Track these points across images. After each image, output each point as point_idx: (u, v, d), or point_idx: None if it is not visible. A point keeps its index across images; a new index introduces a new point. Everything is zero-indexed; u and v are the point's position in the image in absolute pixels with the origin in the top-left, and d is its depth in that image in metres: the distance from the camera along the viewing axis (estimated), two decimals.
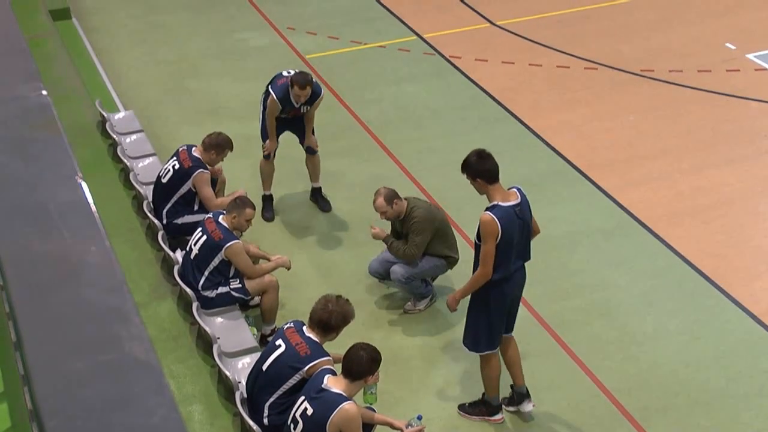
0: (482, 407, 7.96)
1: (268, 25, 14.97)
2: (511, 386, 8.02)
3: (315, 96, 9.78)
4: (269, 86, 9.92)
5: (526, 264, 7.57)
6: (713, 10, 15.26)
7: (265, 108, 9.95)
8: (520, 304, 9.07)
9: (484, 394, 7.95)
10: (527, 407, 7.96)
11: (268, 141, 10.09)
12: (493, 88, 13.07)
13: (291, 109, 9.87)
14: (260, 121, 10.14)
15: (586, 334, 8.80)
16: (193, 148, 9.35)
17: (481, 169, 7.13)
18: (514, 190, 7.24)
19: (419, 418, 6.86)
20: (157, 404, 5.16)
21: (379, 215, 8.77)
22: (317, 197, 10.58)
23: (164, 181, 9.35)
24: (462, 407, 8.04)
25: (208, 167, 9.30)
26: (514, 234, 7.14)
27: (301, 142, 10.27)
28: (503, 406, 8.01)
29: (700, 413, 7.98)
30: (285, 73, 9.93)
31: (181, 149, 9.40)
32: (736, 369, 8.44)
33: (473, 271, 7.37)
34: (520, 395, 7.98)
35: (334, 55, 14.06)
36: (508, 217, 7.07)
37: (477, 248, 7.26)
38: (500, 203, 7.10)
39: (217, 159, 9.36)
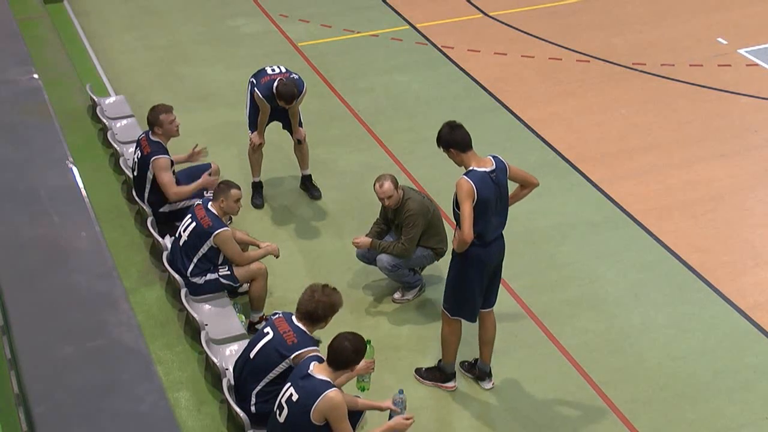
0: (437, 373, 8.14)
1: (260, 11, 14.93)
2: (476, 359, 8.19)
3: (298, 92, 9.73)
4: (254, 82, 9.87)
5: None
6: (705, 4, 15.28)
7: (252, 99, 9.93)
8: (509, 295, 9.14)
9: (440, 361, 8.10)
10: (486, 385, 8.15)
11: (255, 134, 10.08)
12: (485, 79, 13.07)
13: (276, 107, 9.87)
14: (246, 109, 10.11)
15: (573, 326, 8.83)
16: (150, 132, 9.30)
17: (452, 139, 7.46)
18: (490, 157, 7.49)
19: (401, 392, 6.90)
20: (146, 391, 5.18)
21: (382, 201, 8.66)
22: (307, 185, 10.58)
23: (135, 174, 9.36)
24: (418, 371, 8.21)
25: (167, 152, 9.24)
26: (491, 198, 7.35)
27: (290, 132, 10.27)
28: (462, 369, 8.23)
29: (686, 406, 8.03)
30: (269, 71, 9.89)
31: (141, 137, 9.38)
32: (722, 363, 8.49)
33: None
34: (482, 372, 8.16)
35: (326, 43, 14.03)
36: (483, 181, 7.32)
37: (456, 216, 7.42)
38: (476, 168, 7.35)
39: (166, 129, 9.20)
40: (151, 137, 9.24)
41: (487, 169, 7.37)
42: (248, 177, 10.37)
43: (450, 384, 8.11)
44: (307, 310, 6.89)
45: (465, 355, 8.27)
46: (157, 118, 9.18)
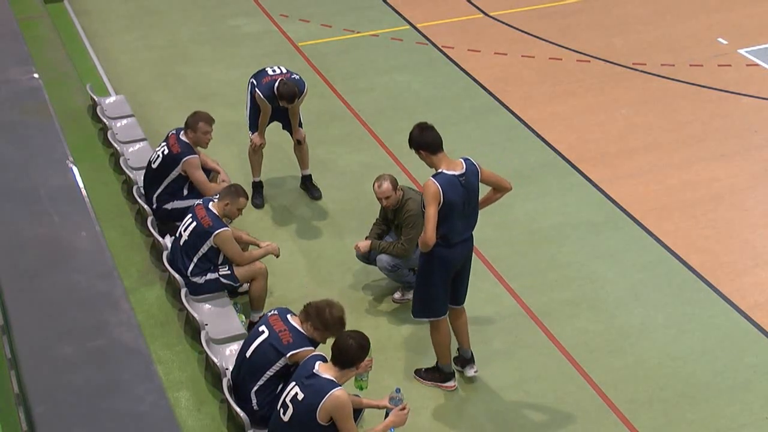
0: (436, 374, 8.16)
1: (261, 11, 14.93)
2: (458, 348, 8.24)
3: (299, 93, 9.75)
4: (254, 83, 9.87)
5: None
6: (706, 4, 15.28)
7: (252, 100, 9.93)
8: (509, 295, 9.15)
9: (438, 362, 8.11)
10: (470, 372, 8.20)
11: (256, 134, 10.08)
12: (485, 79, 13.07)
13: (276, 107, 9.87)
14: (247, 110, 10.12)
15: (573, 327, 8.83)
16: (182, 132, 9.32)
17: (422, 140, 7.49)
18: (461, 160, 7.50)
19: (398, 390, 6.91)
20: (146, 391, 5.18)
21: (379, 201, 8.68)
22: (307, 185, 10.58)
23: (154, 166, 9.34)
24: (418, 372, 8.24)
25: (198, 151, 9.28)
26: (457, 201, 7.37)
27: (290, 132, 10.28)
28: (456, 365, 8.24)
29: (686, 407, 8.02)
30: (270, 71, 9.90)
31: (170, 134, 9.39)
32: (722, 363, 8.48)
33: None
34: (464, 359, 8.21)
35: (326, 43, 14.03)
36: (451, 184, 7.34)
37: (424, 216, 7.44)
38: (445, 171, 7.38)
39: (199, 137, 9.23)
40: (182, 137, 9.25)
41: (457, 173, 7.38)
42: (248, 177, 10.37)
43: (449, 384, 8.11)
44: (308, 307, 6.94)
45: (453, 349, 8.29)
46: (196, 124, 9.22)
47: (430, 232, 7.28)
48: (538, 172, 11.06)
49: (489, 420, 7.91)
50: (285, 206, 10.44)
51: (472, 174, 7.45)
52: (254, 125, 10.08)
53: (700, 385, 8.24)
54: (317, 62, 13.36)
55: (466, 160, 7.49)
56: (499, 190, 7.74)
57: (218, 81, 12.91)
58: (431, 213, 7.26)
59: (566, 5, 15.29)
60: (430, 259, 7.55)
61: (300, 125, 10.17)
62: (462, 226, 7.53)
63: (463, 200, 7.41)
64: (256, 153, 10.23)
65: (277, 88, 9.60)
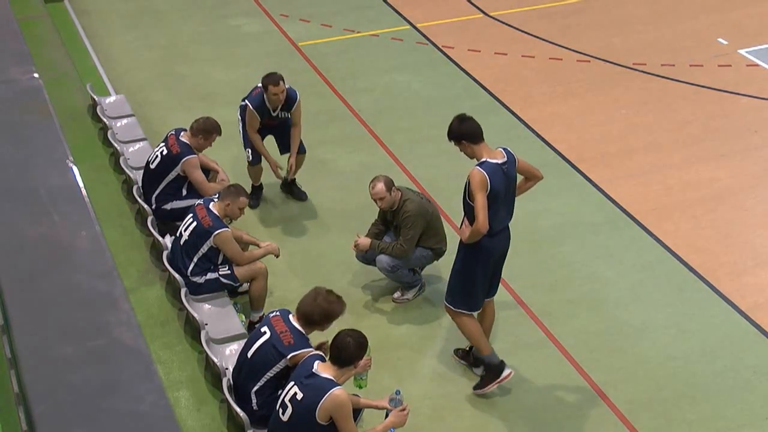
0: (489, 374, 7.98)
1: (261, 11, 14.93)
2: (471, 347, 8.21)
3: (291, 101, 9.70)
4: (245, 104, 9.79)
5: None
6: (706, 5, 15.28)
7: (244, 122, 9.86)
8: (509, 295, 9.15)
9: (483, 359, 7.98)
10: (479, 371, 8.18)
11: (271, 163, 9.96)
12: (486, 79, 13.07)
13: (269, 118, 9.79)
14: (240, 132, 9.99)
15: (573, 327, 8.83)
16: (182, 133, 9.32)
17: (462, 131, 7.54)
18: (501, 149, 7.56)
19: (398, 392, 6.91)
20: (146, 390, 5.19)
21: (374, 202, 8.71)
22: (291, 188, 10.48)
23: (153, 167, 9.34)
24: (475, 387, 8.07)
25: (197, 153, 9.29)
26: (501, 189, 7.44)
27: (283, 150, 10.13)
28: (456, 356, 8.30)
29: (686, 407, 8.02)
30: (260, 85, 9.87)
31: (169, 134, 9.39)
32: (722, 363, 8.49)
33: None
34: (477, 359, 8.18)
35: (326, 43, 14.03)
36: (496, 172, 7.39)
37: (466, 208, 7.48)
38: (489, 160, 7.43)
39: (205, 144, 9.29)
40: (181, 138, 9.25)
41: (499, 161, 7.45)
42: (248, 177, 10.33)
43: (506, 373, 7.95)
44: (305, 312, 6.90)
45: (460, 342, 8.27)
46: (210, 135, 9.23)
47: (483, 220, 7.28)
48: None
49: (488, 419, 7.91)
50: (284, 207, 10.43)
51: (511, 163, 7.54)
52: (248, 142, 9.96)
53: (700, 385, 8.24)
54: (317, 62, 13.36)
55: (504, 149, 7.56)
56: (531, 178, 7.84)
57: (218, 81, 12.91)
58: (482, 201, 7.28)
59: (566, 5, 15.29)
60: (473, 250, 7.57)
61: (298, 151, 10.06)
62: (503, 214, 7.58)
63: (504, 189, 7.48)
64: (254, 168, 10.13)
65: (262, 80, 9.55)
